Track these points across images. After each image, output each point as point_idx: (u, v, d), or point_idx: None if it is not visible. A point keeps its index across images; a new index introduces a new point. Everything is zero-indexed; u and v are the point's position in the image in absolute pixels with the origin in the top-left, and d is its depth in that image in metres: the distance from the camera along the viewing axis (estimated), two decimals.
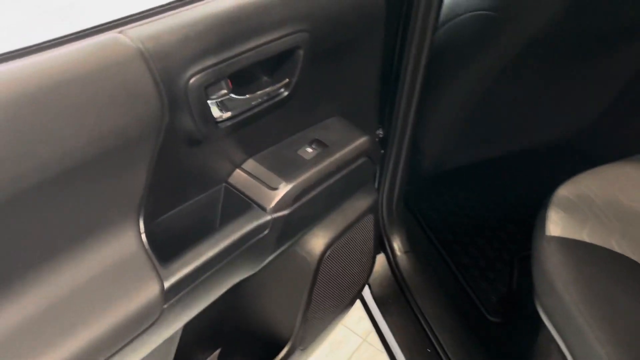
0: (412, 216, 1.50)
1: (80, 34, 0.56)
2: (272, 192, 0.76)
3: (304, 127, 0.86)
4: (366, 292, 1.29)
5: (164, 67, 0.57)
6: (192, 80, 0.60)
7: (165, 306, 0.63)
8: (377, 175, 1.19)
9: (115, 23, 0.58)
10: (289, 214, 0.77)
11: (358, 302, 1.25)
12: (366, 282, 1.17)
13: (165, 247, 0.65)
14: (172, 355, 0.83)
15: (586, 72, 1.45)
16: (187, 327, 0.76)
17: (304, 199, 0.79)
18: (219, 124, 0.68)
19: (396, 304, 1.26)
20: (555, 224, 0.93)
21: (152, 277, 0.61)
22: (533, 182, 1.62)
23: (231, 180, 0.77)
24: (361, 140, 0.88)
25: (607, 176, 1.04)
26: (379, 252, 1.30)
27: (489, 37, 1.22)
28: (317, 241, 0.91)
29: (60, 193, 0.53)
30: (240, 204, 0.76)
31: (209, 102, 0.65)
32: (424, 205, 1.55)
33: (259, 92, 0.71)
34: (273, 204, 0.75)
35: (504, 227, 1.51)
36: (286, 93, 0.74)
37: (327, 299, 1.01)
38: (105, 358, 0.59)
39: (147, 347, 0.66)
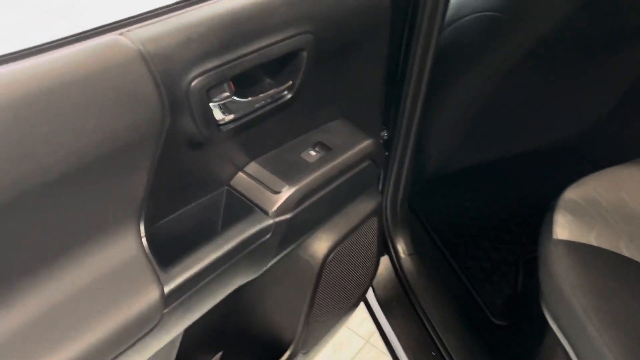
0: (416, 218, 1.49)
1: (81, 35, 0.56)
2: (275, 196, 0.75)
3: (307, 130, 0.85)
4: (370, 295, 1.28)
5: (165, 69, 0.57)
6: (194, 83, 0.60)
7: (166, 311, 0.63)
8: (381, 177, 1.18)
9: (116, 25, 0.58)
10: (291, 218, 0.76)
11: (361, 304, 1.24)
12: (370, 285, 1.16)
13: (166, 251, 0.64)
14: (173, 359, 0.83)
15: (591, 74, 1.45)
16: (188, 330, 0.75)
17: (307, 203, 0.78)
18: (221, 127, 0.67)
19: (400, 306, 1.25)
20: (563, 227, 0.93)
21: (152, 282, 0.61)
22: (537, 183, 1.61)
23: (233, 183, 0.77)
24: (365, 144, 0.87)
25: (614, 178, 1.03)
26: (383, 255, 1.29)
27: (495, 38, 1.21)
28: (320, 244, 0.90)
29: (60, 196, 0.52)
30: (243, 208, 0.75)
31: (211, 104, 0.64)
32: (428, 207, 1.54)
33: (261, 95, 0.71)
34: (275, 207, 0.74)
35: (509, 229, 1.51)
36: (289, 95, 0.74)
37: (330, 302, 1.00)
38: None
39: (147, 351, 0.66)
